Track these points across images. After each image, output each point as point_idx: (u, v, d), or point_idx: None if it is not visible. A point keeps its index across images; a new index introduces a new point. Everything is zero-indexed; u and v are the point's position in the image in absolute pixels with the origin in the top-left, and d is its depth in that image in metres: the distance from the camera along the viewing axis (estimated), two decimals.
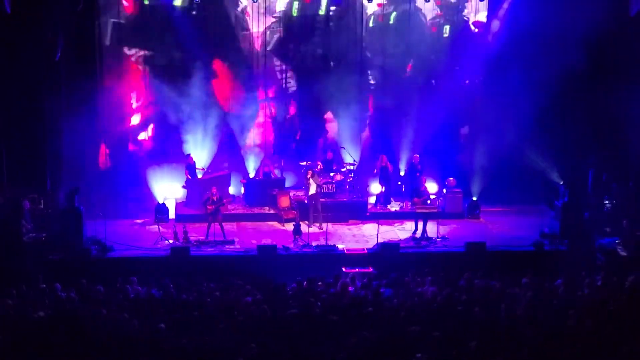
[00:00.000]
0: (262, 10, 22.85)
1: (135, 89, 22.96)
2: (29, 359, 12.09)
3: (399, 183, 22.87)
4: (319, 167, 21.91)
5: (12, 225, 17.89)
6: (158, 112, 22.88)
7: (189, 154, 22.13)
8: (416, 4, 23.18)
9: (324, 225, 20.16)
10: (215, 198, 19.38)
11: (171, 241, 19.26)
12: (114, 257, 18.40)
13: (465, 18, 23.74)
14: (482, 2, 23.28)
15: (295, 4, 23.22)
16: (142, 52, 22.82)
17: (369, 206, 21.96)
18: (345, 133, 23.61)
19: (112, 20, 22.22)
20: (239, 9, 23.06)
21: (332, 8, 23.32)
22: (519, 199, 22.35)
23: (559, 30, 20.77)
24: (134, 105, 23.09)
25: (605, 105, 20.71)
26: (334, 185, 21.84)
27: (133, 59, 22.79)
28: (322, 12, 23.29)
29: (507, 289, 15.33)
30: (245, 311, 13.88)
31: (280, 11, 23.22)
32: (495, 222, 21.63)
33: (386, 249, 18.68)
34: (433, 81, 23.80)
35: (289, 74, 23.89)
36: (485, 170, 22.09)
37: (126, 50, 22.77)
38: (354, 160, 22.70)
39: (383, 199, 22.18)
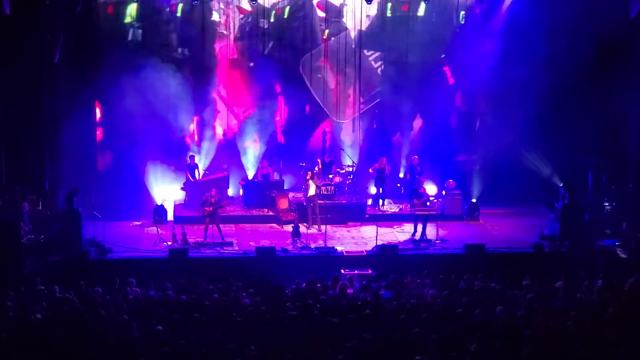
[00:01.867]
0: None
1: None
2: None
3: (398, 185, 22.85)
4: (318, 166, 21.90)
5: (11, 226, 17.84)
6: None
7: (192, 155, 22.17)
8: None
9: (323, 227, 20.13)
10: (213, 200, 19.35)
11: (170, 243, 19.23)
12: (113, 258, 18.37)
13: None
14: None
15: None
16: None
17: (368, 208, 21.93)
18: (344, 134, 23.63)
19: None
20: None
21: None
22: (518, 201, 22.34)
23: (558, 32, 20.76)
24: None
25: (605, 107, 20.73)
26: (333, 187, 21.81)
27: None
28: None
29: (506, 291, 15.31)
30: (244, 313, 13.85)
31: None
32: (495, 224, 21.61)
33: (385, 250, 18.65)
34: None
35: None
36: (485, 172, 22.06)
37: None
38: (353, 162, 22.68)
39: (381, 201, 22.16)
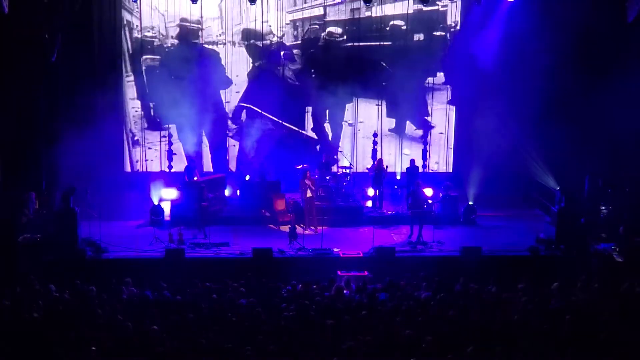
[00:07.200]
0: None
1: None
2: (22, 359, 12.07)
3: (396, 187, 22.85)
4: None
5: (6, 225, 17.82)
6: None
7: (191, 156, 22.18)
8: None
9: (320, 228, 20.12)
10: (208, 199, 19.33)
11: (166, 243, 19.21)
12: (109, 258, 18.35)
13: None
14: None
15: None
16: None
17: (367, 210, 21.93)
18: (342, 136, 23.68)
19: None
20: None
21: None
22: (515, 204, 22.39)
23: (555, 35, 20.80)
24: None
25: (602, 111, 20.72)
26: (330, 189, 21.79)
27: None
28: None
29: (502, 293, 15.33)
30: (239, 314, 13.85)
31: None
32: (491, 226, 21.59)
33: (382, 252, 18.64)
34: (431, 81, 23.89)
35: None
36: (482, 175, 22.08)
37: None
38: (350, 164, 22.68)
39: (378, 202, 22.17)
